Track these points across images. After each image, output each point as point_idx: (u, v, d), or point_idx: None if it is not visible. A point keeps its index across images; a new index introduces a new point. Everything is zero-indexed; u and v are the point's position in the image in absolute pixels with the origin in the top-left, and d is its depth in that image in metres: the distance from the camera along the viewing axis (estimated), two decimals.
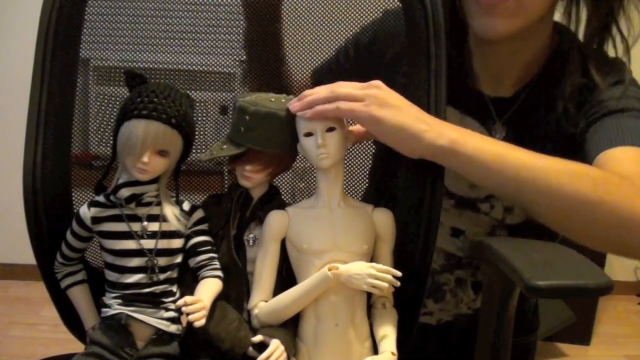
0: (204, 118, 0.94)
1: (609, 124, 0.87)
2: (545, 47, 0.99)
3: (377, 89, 0.76)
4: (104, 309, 0.77)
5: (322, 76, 0.94)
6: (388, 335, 0.76)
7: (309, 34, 0.93)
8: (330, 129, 0.76)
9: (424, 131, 0.75)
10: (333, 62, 0.97)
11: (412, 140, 0.76)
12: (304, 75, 0.95)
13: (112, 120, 0.84)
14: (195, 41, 0.94)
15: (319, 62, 0.95)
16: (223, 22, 0.94)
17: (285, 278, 0.79)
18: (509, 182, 0.77)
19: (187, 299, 0.71)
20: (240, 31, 0.95)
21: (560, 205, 0.76)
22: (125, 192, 0.76)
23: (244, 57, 0.95)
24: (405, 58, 0.88)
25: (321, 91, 0.76)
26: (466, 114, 0.99)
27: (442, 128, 0.77)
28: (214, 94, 0.96)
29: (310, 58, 0.94)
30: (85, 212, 0.78)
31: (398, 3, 0.87)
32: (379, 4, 0.91)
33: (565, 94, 0.93)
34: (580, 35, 0.97)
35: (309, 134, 0.76)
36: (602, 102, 0.90)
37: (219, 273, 0.78)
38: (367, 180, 0.97)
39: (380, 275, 0.71)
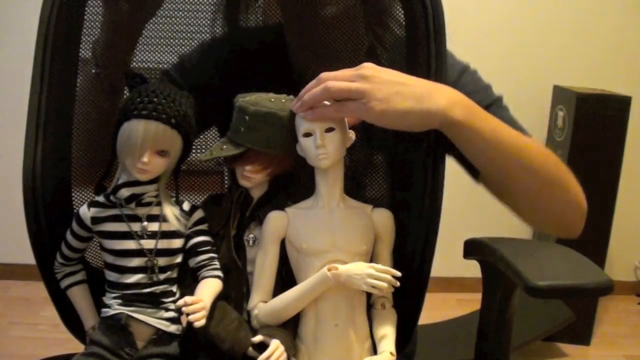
0: None
1: None
2: None
3: (370, 81, 0.74)
4: (103, 309, 0.77)
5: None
6: (387, 336, 0.76)
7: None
8: (329, 129, 0.76)
9: (430, 109, 0.75)
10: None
11: (421, 120, 0.76)
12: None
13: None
14: (196, 41, 0.94)
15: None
16: None
17: (285, 279, 0.79)
18: (500, 158, 0.81)
19: (187, 299, 0.70)
20: None
21: (534, 185, 0.83)
22: (125, 192, 0.76)
23: None
24: None
25: (314, 88, 0.75)
26: None
27: (449, 100, 0.77)
28: None
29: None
30: (85, 212, 0.77)
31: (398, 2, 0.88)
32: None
33: None
34: None
35: (308, 134, 0.76)
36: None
37: (219, 273, 0.78)
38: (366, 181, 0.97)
39: (380, 275, 0.71)
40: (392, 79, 0.76)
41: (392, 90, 0.74)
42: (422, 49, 0.83)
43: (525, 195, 0.85)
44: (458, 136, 0.79)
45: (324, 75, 0.75)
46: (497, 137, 0.80)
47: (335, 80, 0.75)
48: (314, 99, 0.75)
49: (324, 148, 0.75)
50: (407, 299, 0.83)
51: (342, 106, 0.75)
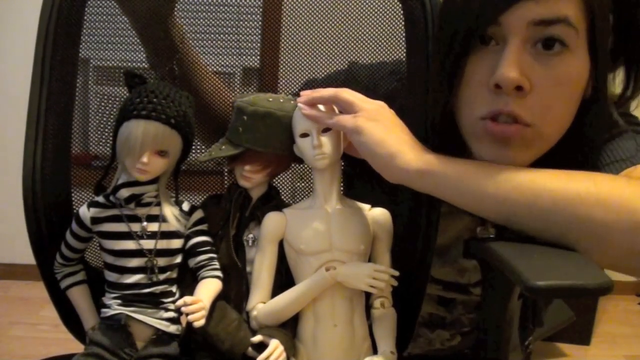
0: None
1: (612, 146, 0.80)
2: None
3: (374, 104, 0.75)
4: (103, 310, 0.77)
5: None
6: (387, 335, 0.76)
7: (307, 35, 0.93)
8: (326, 130, 0.76)
9: (400, 152, 0.71)
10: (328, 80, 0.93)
11: (387, 159, 0.71)
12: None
13: (112, 120, 0.84)
14: (195, 41, 0.94)
15: (317, 64, 0.94)
16: (223, 22, 0.95)
17: (286, 278, 0.79)
18: (495, 207, 0.71)
19: (187, 299, 0.71)
20: (240, 31, 0.94)
21: (554, 226, 0.71)
22: (124, 193, 0.76)
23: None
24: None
25: (326, 91, 0.76)
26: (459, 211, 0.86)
27: (423, 153, 0.71)
28: None
29: (307, 59, 0.94)
30: (85, 212, 0.78)
31: (397, 3, 0.88)
32: (378, 4, 0.91)
33: None
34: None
35: (304, 135, 0.76)
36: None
37: (219, 273, 0.78)
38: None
39: (378, 274, 0.71)
40: (395, 119, 0.75)
41: (386, 122, 0.73)
42: (421, 49, 0.83)
43: (556, 237, 0.72)
44: (429, 188, 0.72)
45: (344, 89, 0.76)
46: (488, 185, 0.69)
47: (349, 95, 0.75)
48: (320, 96, 0.76)
49: (320, 148, 0.75)
50: (407, 298, 0.83)
51: (334, 115, 0.75)
